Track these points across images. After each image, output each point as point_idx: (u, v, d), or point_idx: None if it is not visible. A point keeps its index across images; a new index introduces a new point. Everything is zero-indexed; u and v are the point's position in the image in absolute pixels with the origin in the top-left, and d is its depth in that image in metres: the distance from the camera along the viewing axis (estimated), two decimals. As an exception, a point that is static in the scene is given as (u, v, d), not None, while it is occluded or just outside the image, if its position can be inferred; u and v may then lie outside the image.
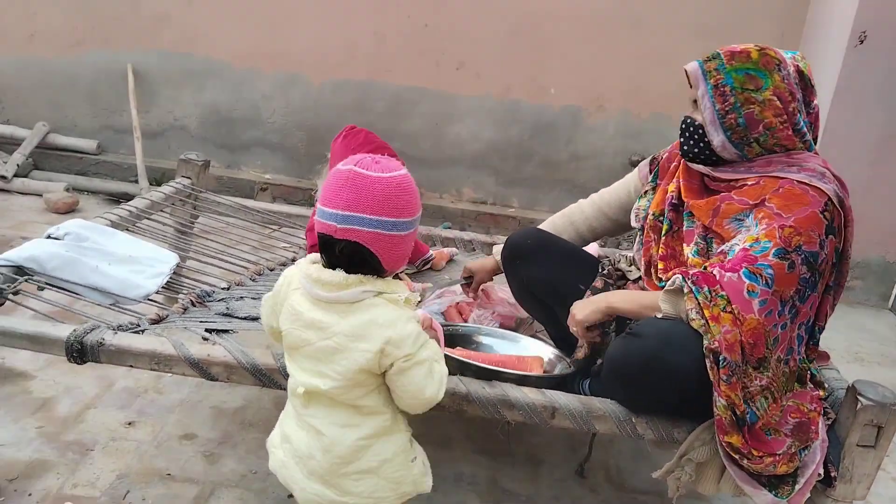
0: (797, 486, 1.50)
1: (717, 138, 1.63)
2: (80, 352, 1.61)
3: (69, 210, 3.75)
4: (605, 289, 1.79)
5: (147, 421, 2.10)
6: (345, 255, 1.28)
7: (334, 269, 1.29)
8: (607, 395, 1.64)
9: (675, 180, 1.78)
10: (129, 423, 2.08)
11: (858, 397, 1.49)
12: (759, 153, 1.62)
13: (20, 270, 1.78)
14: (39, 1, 4.12)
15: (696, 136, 1.66)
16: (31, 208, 3.74)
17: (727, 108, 1.59)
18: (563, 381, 1.76)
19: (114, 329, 1.68)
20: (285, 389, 1.47)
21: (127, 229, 2.23)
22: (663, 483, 1.62)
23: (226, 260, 2.32)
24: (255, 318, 1.81)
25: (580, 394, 1.71)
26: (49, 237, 1.96)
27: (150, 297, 1.94)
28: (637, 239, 1.89)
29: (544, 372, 1.81)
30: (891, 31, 3.31)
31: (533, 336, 2.07)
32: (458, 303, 2.26)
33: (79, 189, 4.03)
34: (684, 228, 1.71)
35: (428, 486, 1.44)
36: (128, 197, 3.53)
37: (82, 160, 4.24)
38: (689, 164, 1.73)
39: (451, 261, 2.64)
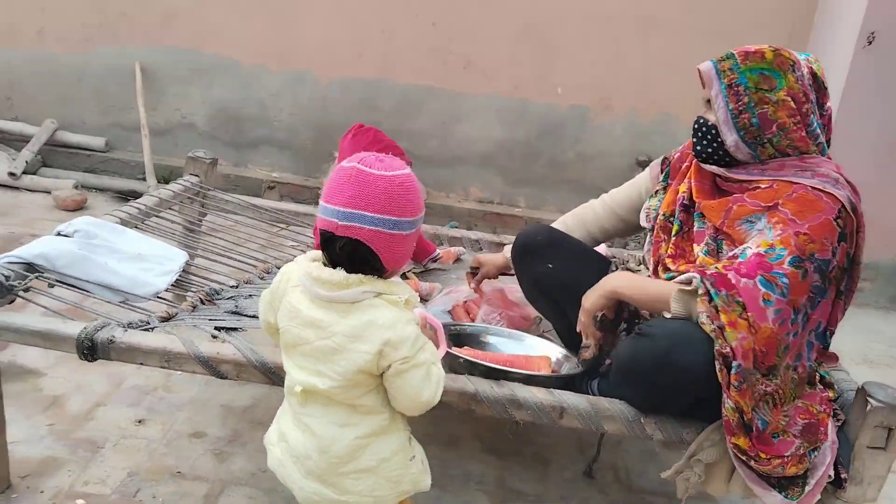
0: (807, 488, 1.49)
1: (730, 138, 1.62)
2: (90, 349, 1.61)
3: (78, 207, 3.76)
4: None
5: (157, 419, 2.11)
6: (345, 252, 1.27)
7: (335, 267, 1.29)
8: (616, 396, 1.64)
9: (686, 181, 1.78)
10: (139, 421, 2.08)
11: (868, 399, 1.48)
12: (773, 154, 1.62)
13: (30, 267, 1.79)
14: (48, -2, 4.14)
15: (709, 136, 1.66)
16: (40, 205, 3.76)
17: (741, 108, 1.59)
18: (571, 380, 1.76)
19: (124, 326, 1.68)
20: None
21: (136, 227, 2.24)
22: (672, 484, 1.62)
23: (234, 258, 2.32)
24: (264, 317, 1.81)
25: (588, 394, 1.71)
26: (59, 234, 1.96)
27: (159, 295, 1.94)
28: (647, 239, 1.89)
29: (552, 371, 1.82)
30: (900, 31, 3.31)
31: (540, 336, 2.07)
32: (465, 302, 2.27)
33: (87, 186, 4.05)
34: (695, 229, 1.71)
35: (427, 484, 1.44)
36: (136, 194, 3.54)
37: (90, 157, 4.26)
38: (702, 164, 1.73)
39: (458, 260, 2.65)
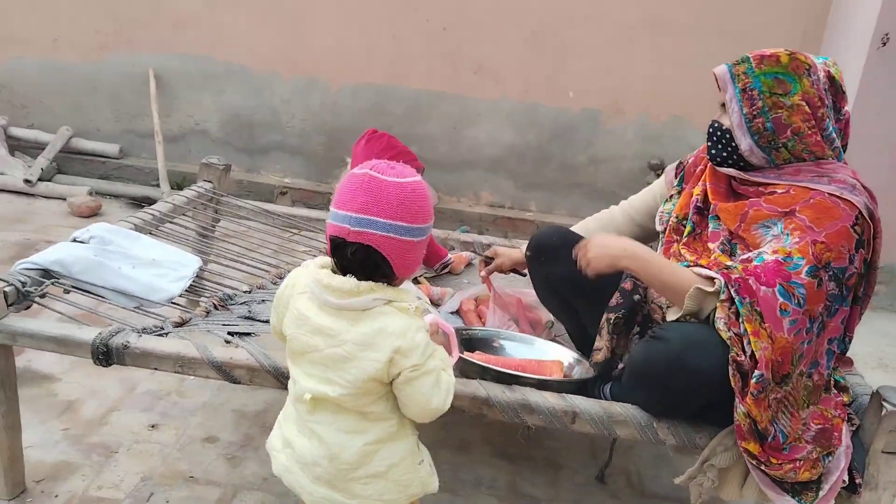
0: (821, 493, 1.49)
1: (744, 142, 1.62)
2: (105, 354, 1.63)
3: (92, 214, 3.79)
4: (635, 289, 1.78)
5: (170, 424, 2.12)
6: (356, 258, 1.27)
7: (345, 273, 1.29)
8: (628, 400, 1.64)
9: (700, 184, 1.77)
10: (153, 426, 2.10)
11: (883, 403, 1.48)
12: (788, 159, 1.61)
13: (46, 273, 1.81)
14: (62, 6, 4.18)
15: (723, 141, 1.65)
16: (55, 212, 3.79)
17: (755, 112, 1.58)
18: (583, 385, 1.75)
19: (138, 332, 1.70)
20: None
21: (150, 233, 2.25)
22: (685, 489, 1.61)
23: (247, 263, 2.34)
24: (277, 322, 1.82)
25: (601, 398, 1.71)
26: (75, 240, 1.98)
27: (173, 301, 1.96)
28: (659, 242, 1.88)
29: (564, 376, 1.81)
30: (915, 32, 3.28)
31: (552, 340, 2.07)
32: (477, 306, 2.27)
33: (101, 193, 4.07)
34: (709, 230, 1.69)
35: (435, 486, 1.44)
36: (150, 201, 3.57)
37: (105, 164, 4.29)
38: (717, 168, 1.72)
39: (469, 265, 2.65)
